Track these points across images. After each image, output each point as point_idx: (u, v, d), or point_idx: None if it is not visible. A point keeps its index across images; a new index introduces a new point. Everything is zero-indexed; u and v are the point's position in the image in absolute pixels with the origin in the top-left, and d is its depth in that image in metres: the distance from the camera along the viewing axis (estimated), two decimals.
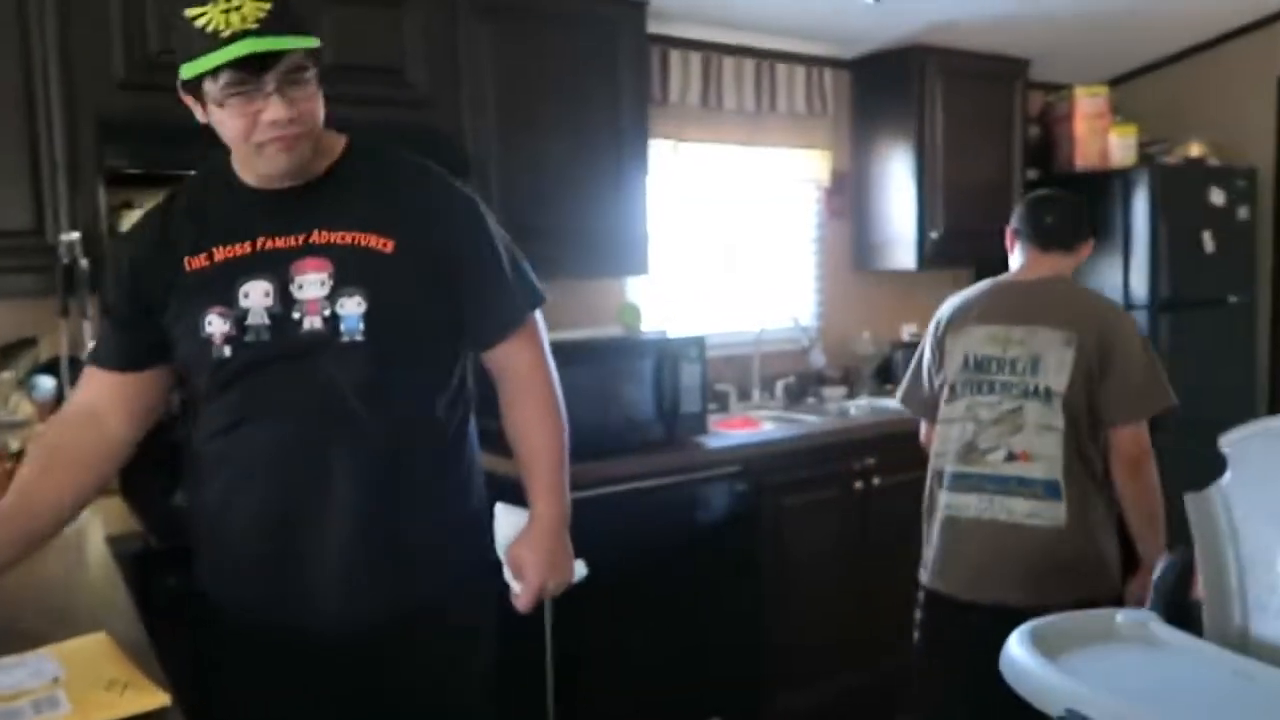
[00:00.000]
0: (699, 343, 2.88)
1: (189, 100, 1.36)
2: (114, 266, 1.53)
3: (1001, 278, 2.32)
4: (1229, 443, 1.83)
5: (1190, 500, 1.86)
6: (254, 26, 1.26)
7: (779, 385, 3.63)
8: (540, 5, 2.80)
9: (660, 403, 2.79)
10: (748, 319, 3.62)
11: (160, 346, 1.47)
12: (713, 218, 3.62)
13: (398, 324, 1.42)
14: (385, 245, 1.42)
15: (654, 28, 3.12)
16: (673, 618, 2.72)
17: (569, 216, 2.87)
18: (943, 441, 2.25)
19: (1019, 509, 2.12)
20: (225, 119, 1.33)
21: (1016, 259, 2.33)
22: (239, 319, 1.38)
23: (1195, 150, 3.92)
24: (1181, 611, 1.87)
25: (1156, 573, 1.94)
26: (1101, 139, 3.89)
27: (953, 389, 2.23)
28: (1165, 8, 3.74)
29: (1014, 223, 2.34)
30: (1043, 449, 2.10)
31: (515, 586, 1.59)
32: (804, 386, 3.69)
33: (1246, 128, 4.06)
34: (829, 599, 3.06)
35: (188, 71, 1.30)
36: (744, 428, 3.14)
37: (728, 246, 3.66)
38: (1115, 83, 4.30)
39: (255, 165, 1.39)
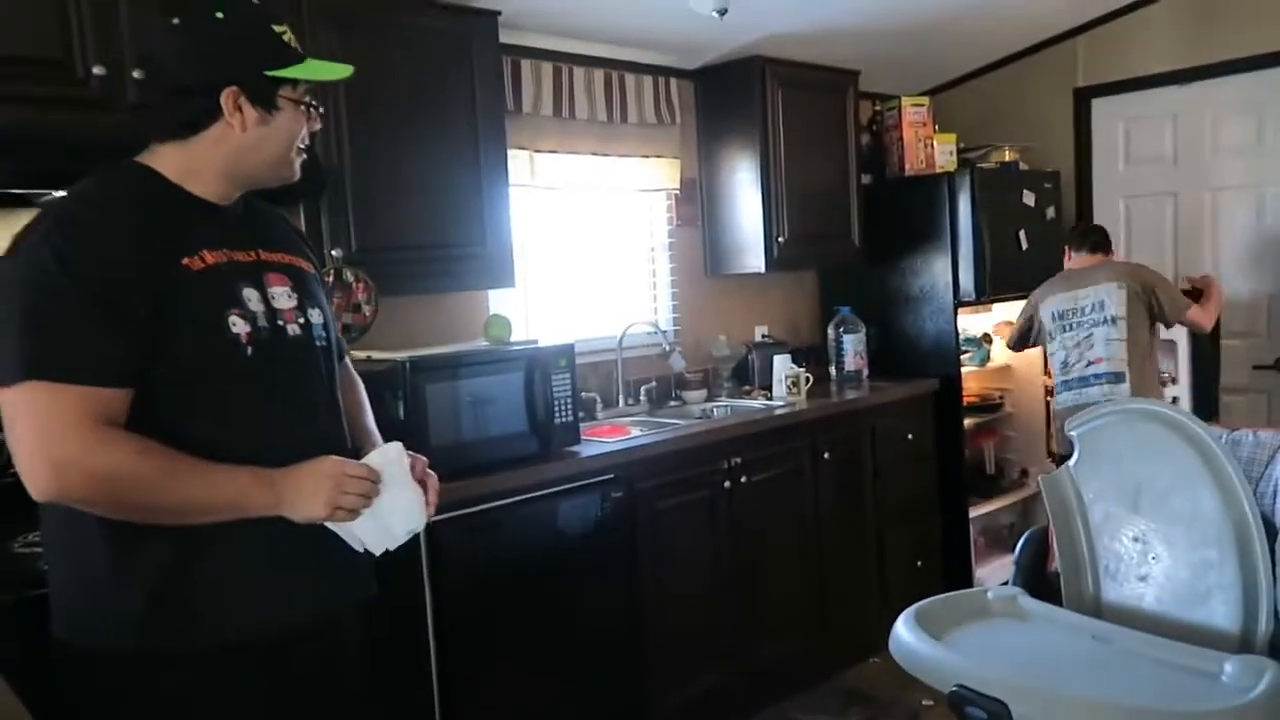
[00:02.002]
0: (568, 351, 2.89)
1: (229, 105, 1.42)
2: (100, 258, 1.34)
3: (1072, 270, 3.67)
4: (1075, 427, 2.01)
5: (1044, 481, 2.03)
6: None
7: (642, 390, 3.68)
8: (391, 16, 2.72)
9: (533, 415, 2.77)
10: (608, 326, 3.65)
11: (143, 356, 1.36)
12: (568, 227, 3.63)
13: (334, 336, 1.63)
14: (309, 267, 1.61)
15: (506, 38, 3.10)
16: (558, 624, 2.71)
17: (430, 231, 2.81)
18: (1053, 367, 3.62)
19: (1095, 394, 3.36)
20: (282, 126, 1.46)
21: (1073, 263, 3.68)
22: (252, 320, 1.45)
23: (1008, 155, 4.25)
24: (1042, 583, 2.04)
25: (1017, 549, 2.10)
26: (926, 146, 4.16)
27: (1050, 334, 3.61)
28: (976, 24, 4.04)
29: (1069, 240, 3.77)
30: (1108, 354, 3.43)
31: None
32: (665, 390, 3.76)
33: (1050, 134, 4.44)
34: (706, 594, 3.13)
35: (294, 73, 1.44)
36: (613, 435, 3.17)
37: (585, 256, 3.68)
38: (935, 92, 4.61)
39: (275, 174, 1.51)
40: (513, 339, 2.89)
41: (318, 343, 1.55)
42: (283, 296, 1.51)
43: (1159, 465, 1.88)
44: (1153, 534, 1.88)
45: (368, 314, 2.71)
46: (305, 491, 1.38)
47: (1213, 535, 1.79)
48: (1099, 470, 1.98)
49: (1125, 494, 1.92)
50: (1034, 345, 3.77)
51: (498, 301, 3.32)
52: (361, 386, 1.85)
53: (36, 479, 1.31)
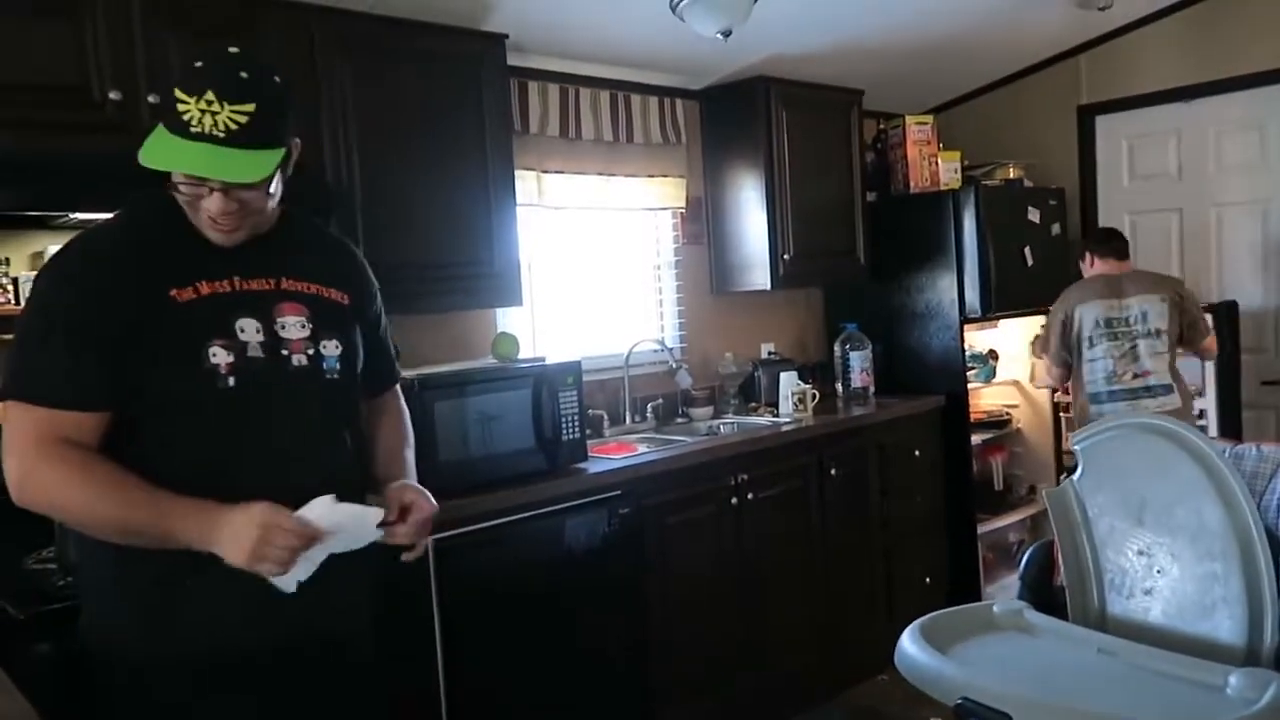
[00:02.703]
0: (575, 369, 2.91)
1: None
2: (81, 288, 1.43)
3: (1100, 275, 3.64)
4: (1080, 441, 2.02)
5: (1048, 495, 2.03)
6: (221, 135, 1.38)
7: (649, 407, 3.70)
8: (400, 40, 2.77)
9: (541, 431, 2.80)
10: (614, 344, 3.67)
11: (117, 382, 1.43)
12: (576, 245, 3.66)
13: (355, 369, 1.62)
14: (343, 299, 1.62)
15: (513, 60, 3.14)
16: (565, 640, 2.72)
17: (439, 250, 2.85)
18: (1091, 374, 3.55)
19: (1151, 405, 3.41)
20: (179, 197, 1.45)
21: (1097, 269, 3.67)
22: (240, 351, 1.47)
23: (1012, 173, 4.28)
24: (1048, 597, 2.04)
25: (1023, 563, 2.11)
26: (931, 163, 4.19)
27: (1090, 340, 3.55)
28: (979, 42, 4.08)
29: (1090, 247, 3.73)
30: (1155, 367, 3.46)
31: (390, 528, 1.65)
32: (672, 407, 3.78)
33: (1054, 151, 4.47)
34: (713, 611, 3.13)
35: (150, 152, 1.40)
36: (620, 451, 3.19)
37: (592, 274, 3.71)
38: (939, 111, 4.64)
39: (202, 229, 1.49)
40: (520, 357, 2.92)
41: (328, 375, 1.56)
42: (294, 326, 1.53)
43: (1163, 479, 1.88)
44: (1157, 547, 1.88)
45: None
46: (231, 536, 1.37)
47: (1217, 549, 1.80)
48: (1103, 484, 1.99)
49: (1130, 508, 1.93)
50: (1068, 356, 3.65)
51: (506, 320, 3.35)
52: (404, 417, 1.84)
53: (10, 488, 1.43)
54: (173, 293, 1.45)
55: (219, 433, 1.46)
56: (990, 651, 1.83)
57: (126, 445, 1.44)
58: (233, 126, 1.38)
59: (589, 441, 3.11)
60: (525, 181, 3.32)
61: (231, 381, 1.45)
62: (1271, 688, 1.58)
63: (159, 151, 1.40)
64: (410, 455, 1.79)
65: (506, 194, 3.02)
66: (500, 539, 2.60)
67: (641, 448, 3.28)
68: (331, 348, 1.57)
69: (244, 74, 1.41)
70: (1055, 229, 4.31)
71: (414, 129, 2.79)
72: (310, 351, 1.54)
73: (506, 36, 3.01)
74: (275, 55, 2.48)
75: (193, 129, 1.37)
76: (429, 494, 1.65)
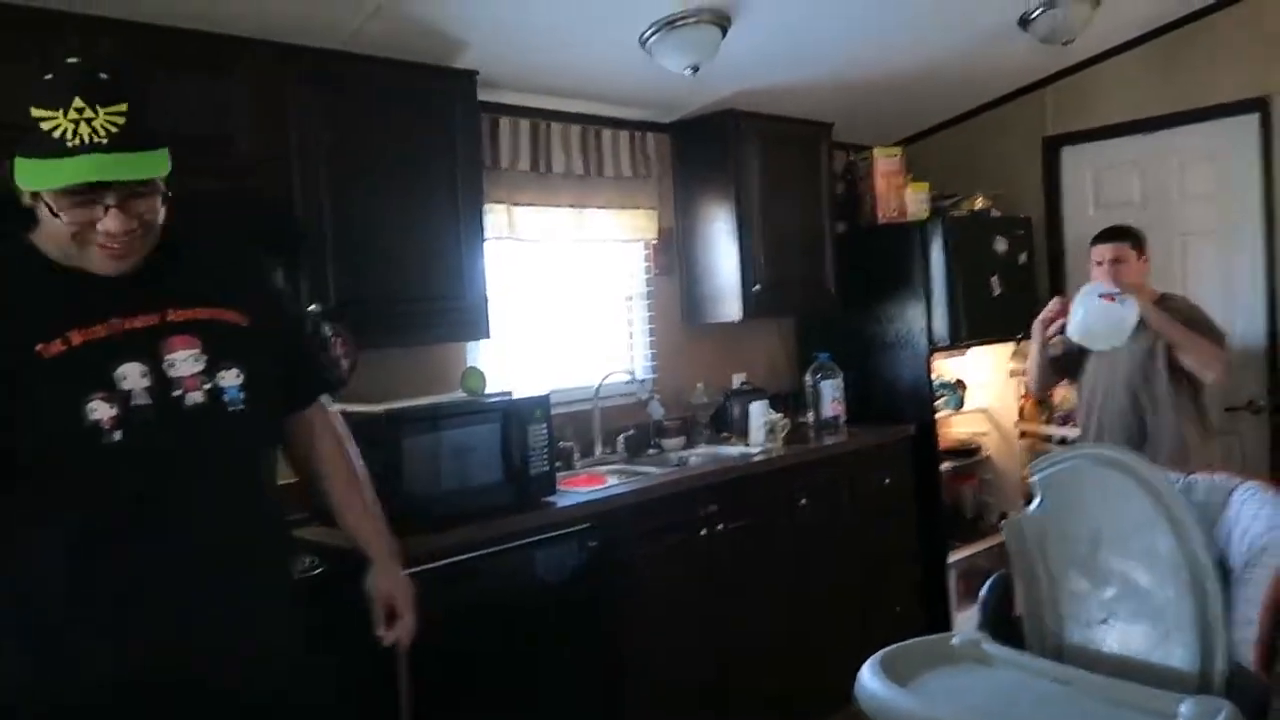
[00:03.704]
0: (544, 403, 2.92)
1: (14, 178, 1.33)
2: None
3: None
4: (1036, 472, 2.04)
5: (1006, 526, 2.06)
6: (104, 141, 1.28)
7: (619, 439, 3.71)
8: (372, 75, 2.80)
9: (509, 465, 2.80)
10: (586, 375, 3.69)
11: None
12: (548, 279, 3.68)
13: (265, 395, 1.50)
14: (241, 319, 1.50)
15: (484, 95, 3.18)
16: (535, 675, 2.71)
17: (408, 284, 2.86)
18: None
19: None
20: (59, 221, 1.33)
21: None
22: (123, 401, 1.36)
23: (979, 203, 4.33)
24: (1006, 627, 2.06)
25: (982, 594, 2.12)
26: (899, 194, 4.24)
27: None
28: (945, 76, 4.15)
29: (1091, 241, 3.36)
30: None
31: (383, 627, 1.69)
32: (643, 438, 3.79)
33: (1021, 181, 4.53)
34: (684, 643, 3.13)
35: (29, 178, 1.29)
36: (590, 484, 3.19)
37: (563, 307, 3.73)
38: (908, 143, 4.70)
39: (81, 262, 1.39)
40: (489, 390, 2.93)
41: (230, 408, 1.44)
42: (185, 361, 1.41)
43: (1117, 510, 1.91)
44: (1112, 578, 1.90)
45: (346, 367, 2.74)
46: None
47: (1169, 578, 1.82)
48: (1060, 515, 2.01)
49: (1085, 538, 1.95)
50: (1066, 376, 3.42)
51: (476, 353, 3.36)
52: (345, 442, 1.74)
53: None
54: (39, 348, 1.34)
55: (107, 496, 1.36)
56: (948, 683, 1.84)
57: (11, 503, 1.35)
58: (113, 129, 1.28)
59: (559, 474, 3.12)
60: (496, 215, 3.35)
61: (117, 437, 1.34)
62: (1222, 714, 1.59)
63: (40, 175, 1.29)
64: (370, 496, 1.73)
65: (476, 228, 3.04)
66: (468, 574, 2.59)
67: (611, 480, 3.28)
68: (231, 377, 1.44)
69: (103, 75, 1.32)
70: (1022, 258, 4.37)
71: (384, 164, 2.81)
72: (207, 386, 1.42)
73: (477, 73, 3.05)
74: (247, 92, 2.53)
75: (69, 143, 1.27)
76: (405, 579, 1.66)
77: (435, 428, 2.68)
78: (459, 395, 2.91)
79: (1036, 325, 3.29)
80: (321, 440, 1.71)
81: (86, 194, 1.30)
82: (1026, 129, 4.54)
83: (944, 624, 3.97)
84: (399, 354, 3.12)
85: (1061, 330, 3.18)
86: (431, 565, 2.50)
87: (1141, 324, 3.04)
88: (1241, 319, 4.00)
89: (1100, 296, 3.05)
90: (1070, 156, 4.49)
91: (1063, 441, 4.04)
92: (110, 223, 1.33)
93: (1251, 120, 3.92)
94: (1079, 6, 3.52)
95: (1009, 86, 4.50)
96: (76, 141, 1.27)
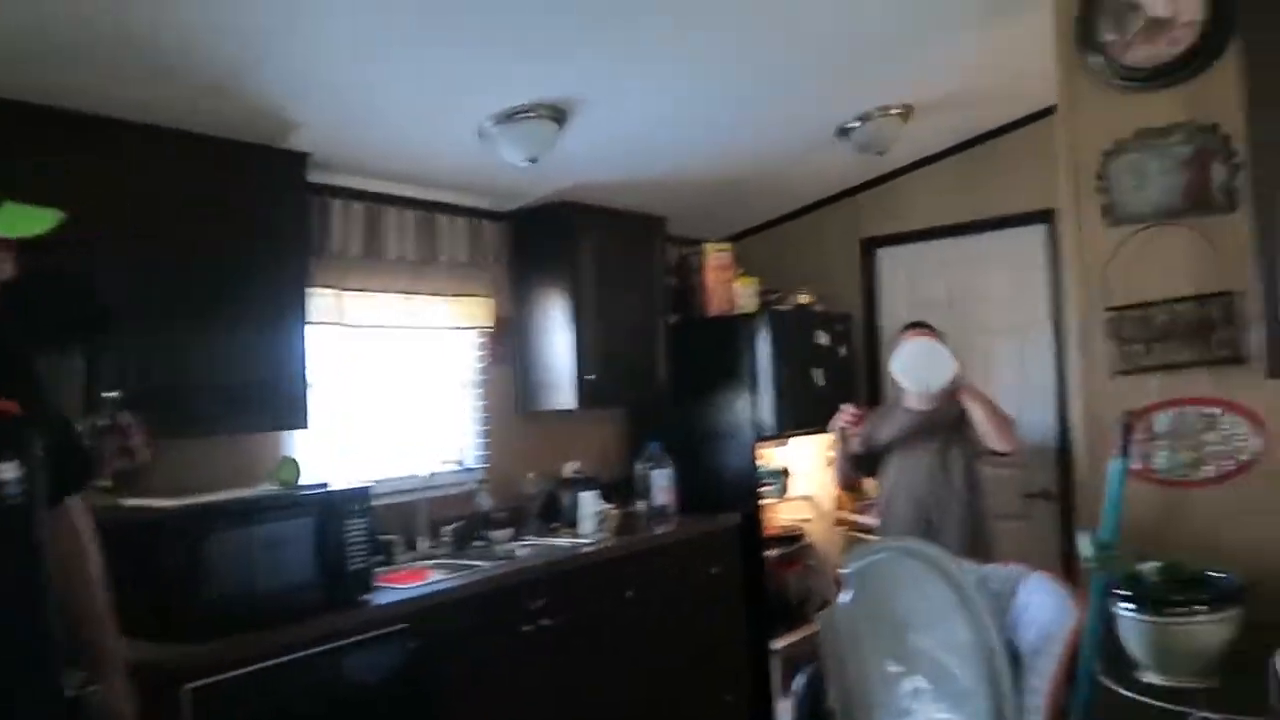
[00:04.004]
0: (363, 494, 2.81)
1: None
2: None
3: None
4: (847, 565, 2.09)
5: (819, 619, 2.09)
6: None
7: (446, 531, 3.60)
8: (192, 154, 2.69)
9: (322, 563, 2.66)
10: (413, 465, 3.57)
11: None
12: (376, 365, 3.58)
13: (36, 485, 1.44)
14: (11, 408, 1.44)
15: (317, 177, 3.11)
16: None
17: (219, 370, 2.72)
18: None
19: None
20: None
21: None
22: None
23: (804, 299, 4.54)
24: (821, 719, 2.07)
25: (796, 686, 2.14)
26: (729, 289, 4.40)
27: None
28: (772, 178, 4.37)
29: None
30: None
31: None
32: (471, 530, 3.68)
33: (841, 279, 4.79)
34: None
35: None
36: (412, 580, 3.06)
37: (392, 394, 3.63)
38: (737, 239, 4.90)
39: None
40: (303, 482, 2.79)
41: (9, 502, 1.39)
42: None
43: (920, 600, 1.97)
44: (916, 667, 1.96)
45: (142, 458, 2.55)
46: None
47: (968, 667, 1.89)
48: (869, 606, 2.06)
49: (892, 629, 2.01)
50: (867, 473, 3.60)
51: (297, 443, 3.20)
52: (79, 533, 1.65)
53: None
54: None
55: None
56: None
57: None
58: None
59: (380, 570, 3.00)
60: (324, 300, 3.25)
61: None
62: None
63: None
64: (105, 604, 1.64)
65: (298, 313, 2.94)
66: (271, 682, 2.42)
67: (435, 575, 3.16)
68: (9, 470, 1.40)
69: None
70: (842, 351, 4.58)
71: (200, 244, 2.69)
72: None
73: (309, 155, 2.98)
74: (58, 164, 2.36)
75: None
76: (133, 697, 1.58)
77: (242, 523, 2.52)
78: (270, 488, 2.75)
79: (836, 430, 3.50)
80: (63, 541, 1.61)
81: None
82: (846, 230, 4.82)
83: (769, 713, 3.98)
84: (207, 444, 2.93)
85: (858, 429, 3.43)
86: (235, 673, 2.33)
87: (937, 420, 3.31)
88: (1035, 412, 4.30)
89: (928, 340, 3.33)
90: (885, 257, 4.78)
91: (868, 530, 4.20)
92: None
93: (1040, 230, 4.30)
94: (890, 121, 3.81)
95: (830, 190, 4.78)
96: None
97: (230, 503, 2.55)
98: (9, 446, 1.41)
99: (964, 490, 3.29)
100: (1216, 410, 2.28)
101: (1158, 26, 2.34)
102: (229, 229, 2.76)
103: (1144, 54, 2.37)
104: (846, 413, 3.44)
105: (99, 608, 1.63)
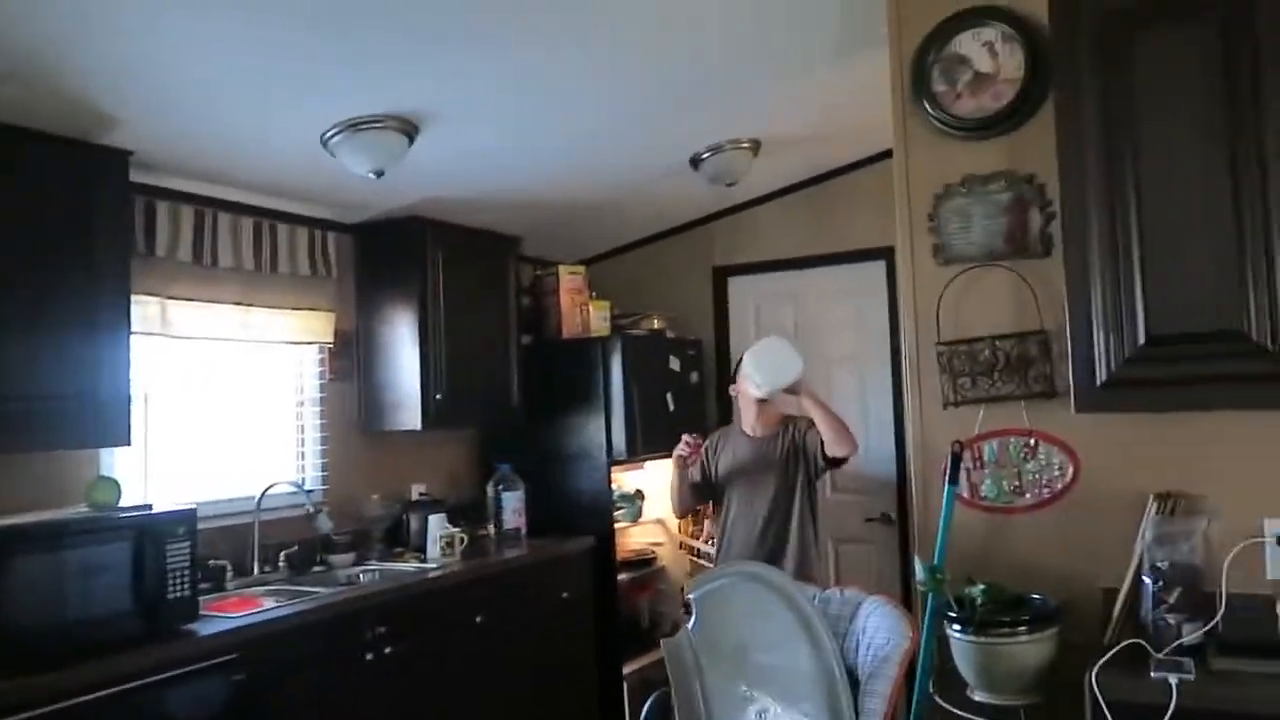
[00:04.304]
0: (188, 517, 2.63)
1: None
2: None
3: None
4: (692, 591, 2.11)
5: (665, 645, 2.09)
6: None
7: (282, 555, 3.42)
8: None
9: (140, 591, 2.47)
10: (247, 486, 3.38)
11: None
12: (207, 379, 3.38)
13: None
14: None
15: (140, 177, 2.91)
16: None
17: (28, 380, 2.49)
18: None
19: None
20: None
21: None
22: None
23: (656, 323, 4.59)
24: None
25: (644, 713, 2.13)
26: (582, 311, 4.39)
27: None
28: (626, 204, 4.40)
29: None
30: None
31: None
32: (310, 555, 3.52)
33: (693, 305, 4.86)
34: None
35: None
36: (242, 608, 2.88)
37: (224, 410, 3.43)
38: (591, 262, 4.91)
39: None
40: (121, 504, 2.59)
41: None
42: None
43: (763, 625, 2.01)
44: (760, 691, 1.99)
45: None
46: None
47: (809, 691, 1.93)
48: (713, 631, 2.08)
49: (736, 654, 2.03)
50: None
51: (113, 461, 2.98)
52: None
53: None
54: None
55: None
56: None
57: None
58: None
59: (207, 597, 2.82)
60: (146, 307, 3.05)
61: None
62: None
63: None
64: None
65: (118, 321, 2.73)
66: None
67: (268, 602, 2.99)
68: None
69: None
70: (694, 377, 4.65)
71: (5, 243, 2.46)
72: None
73: (130, 153, 2.79)
74: None
75: None
76: None
77: (49, 548, 2.33)
78: (82, 509, 2.54)
79: (675, 458, 3.47)
80: None
81: None
82: (698, 258, 4.90)
83: None
84: (14, 460, 2.69)
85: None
86: (42, 710, 2.13)
87: (771, 449, 3.39)
88: (875, 438, 4.48)
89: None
90: (736, 286, 4.89)
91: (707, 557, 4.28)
92: None
93: (880, 266, 4.50)
94: (740, 154, 3.91)
95: (683, 218, 4.86)
96: None
97: (36, 526, 2.34)
98: None
99: (799, 521, 3.35)
100: (1034, 441, 2.43)
101: (983, 81, 2.50)
102: (38, 228, 2.55)
103: (970, 105, 2.52)
104: (684, 442, 3.44)
105: None
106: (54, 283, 2.57)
